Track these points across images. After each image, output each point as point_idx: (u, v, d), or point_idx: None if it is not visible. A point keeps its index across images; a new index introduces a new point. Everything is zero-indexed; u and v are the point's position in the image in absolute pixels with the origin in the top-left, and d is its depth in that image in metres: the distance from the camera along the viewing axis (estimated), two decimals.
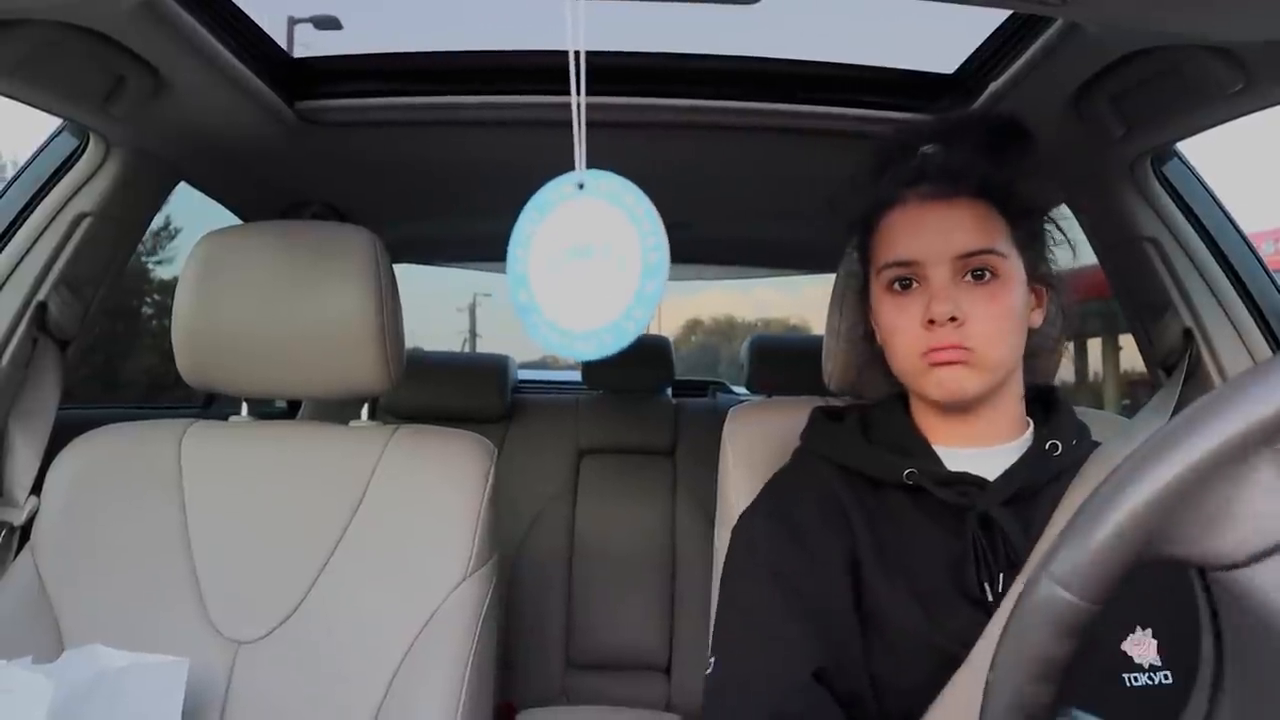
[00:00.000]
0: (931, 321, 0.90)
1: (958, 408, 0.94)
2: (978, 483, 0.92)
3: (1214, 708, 0.47)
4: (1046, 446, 0.94)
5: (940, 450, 0.96)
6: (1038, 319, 0.98)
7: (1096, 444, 0.98)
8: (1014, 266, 0.93)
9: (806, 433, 1.06)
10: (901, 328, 0.93)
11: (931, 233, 0.92)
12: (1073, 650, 0.47)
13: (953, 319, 0.89)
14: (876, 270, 0.97)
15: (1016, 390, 0.97)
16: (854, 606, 0.90)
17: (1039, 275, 0.97)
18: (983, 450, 0.95)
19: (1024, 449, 0.95)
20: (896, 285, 0.94)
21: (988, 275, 0.91)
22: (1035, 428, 0.99)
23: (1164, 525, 0.44)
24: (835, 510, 0.96)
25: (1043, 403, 1.02)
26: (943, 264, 0.91)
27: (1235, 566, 0.44)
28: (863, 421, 1.03)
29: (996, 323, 0.90)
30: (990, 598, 0.87)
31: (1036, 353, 1.02)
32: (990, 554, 0.88)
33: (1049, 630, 0.47)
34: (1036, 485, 0.92)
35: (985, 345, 0.90)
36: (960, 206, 0.93)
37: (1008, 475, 0.92)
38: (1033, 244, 0.96)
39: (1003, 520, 0.89)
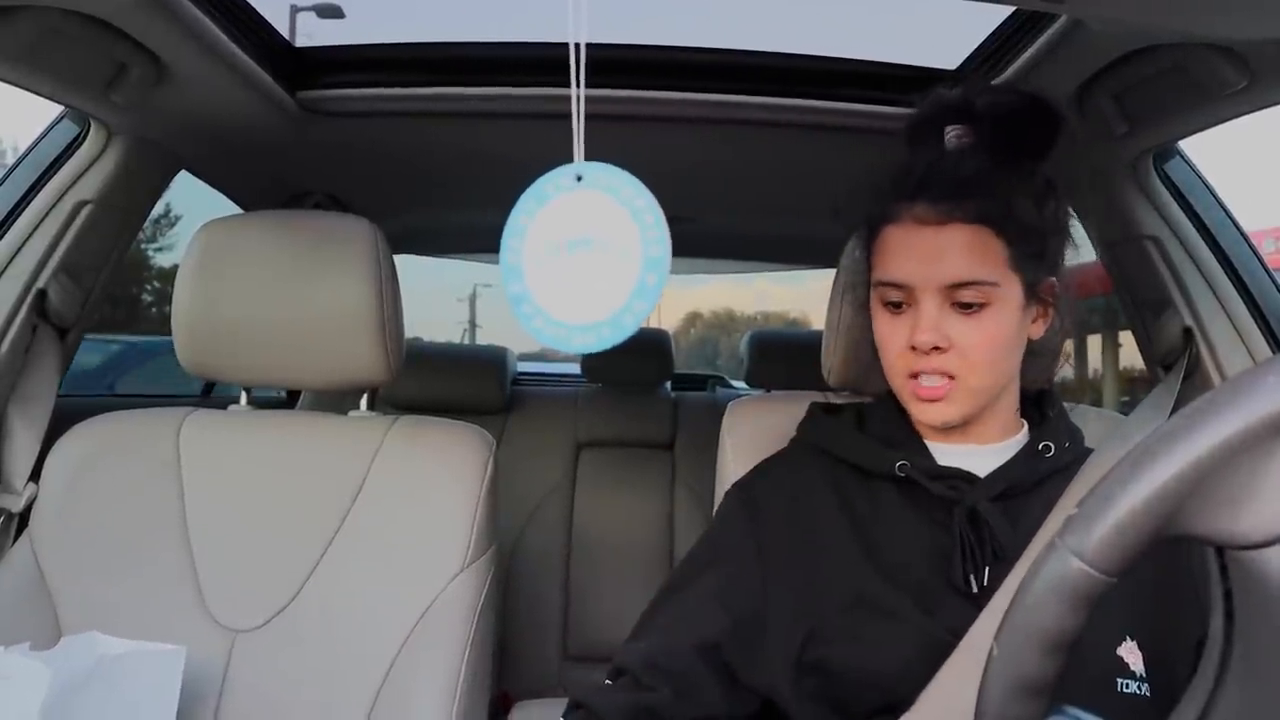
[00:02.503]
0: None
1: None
2: (968, 478, 0.93)
3: (1219, 688, 0.47)
4: (1040, 448, 0.95)
5: (933, 446, 0.97)
6: (1039, 330, 0.97)
7: (1089, 450, 0.99)
8: (1008, 292, 0.91)
9: (803, 424, 1.08)
10: (890, 345, 0.95)
11: (923, 259, 0.91)
12: (1081, 626, 0.47)
13: (937, 348, 0.90)
14: (873, 284, 0.98)
15: (1011, 396, 0.98)
16: (802, 599, 0.92)
17: (1041, 290, 0.95)
18: (975, 448, 0.96)
19: (1017, 449, 0.96)
20: (888, 304, 0.95)
21: (977, 306, 0.90)
22: (1030, 428, 1.00)
23: (1188, 501, 0.45)
24: (805, 502, 0.98)
25: (1037, 404, 1.03)
26: (932, 291, 0.91)
27: (1253, 547, 0.44)
28: (858, 415, 1.04)
29: (983, 352, 0.91)
30: (976, 589, 0.88)
31: (1037, 353, 1.01)
32: (977, 547, 0.89)
33: (1062, 600, 0.47)
34: (1026, 485, 0.93)
35: (969, 372, 0.91)
36: (954, 232, 0.90)
37: (998, 472, 0.93)
38: (1035, 261, 0.93)
39: (990, 515, 0.90)
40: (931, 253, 0.91)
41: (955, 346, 0.90)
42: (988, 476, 0.93)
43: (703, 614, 0.93)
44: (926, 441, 0.98)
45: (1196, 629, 0.85)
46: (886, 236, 0.95)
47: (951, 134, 0.96)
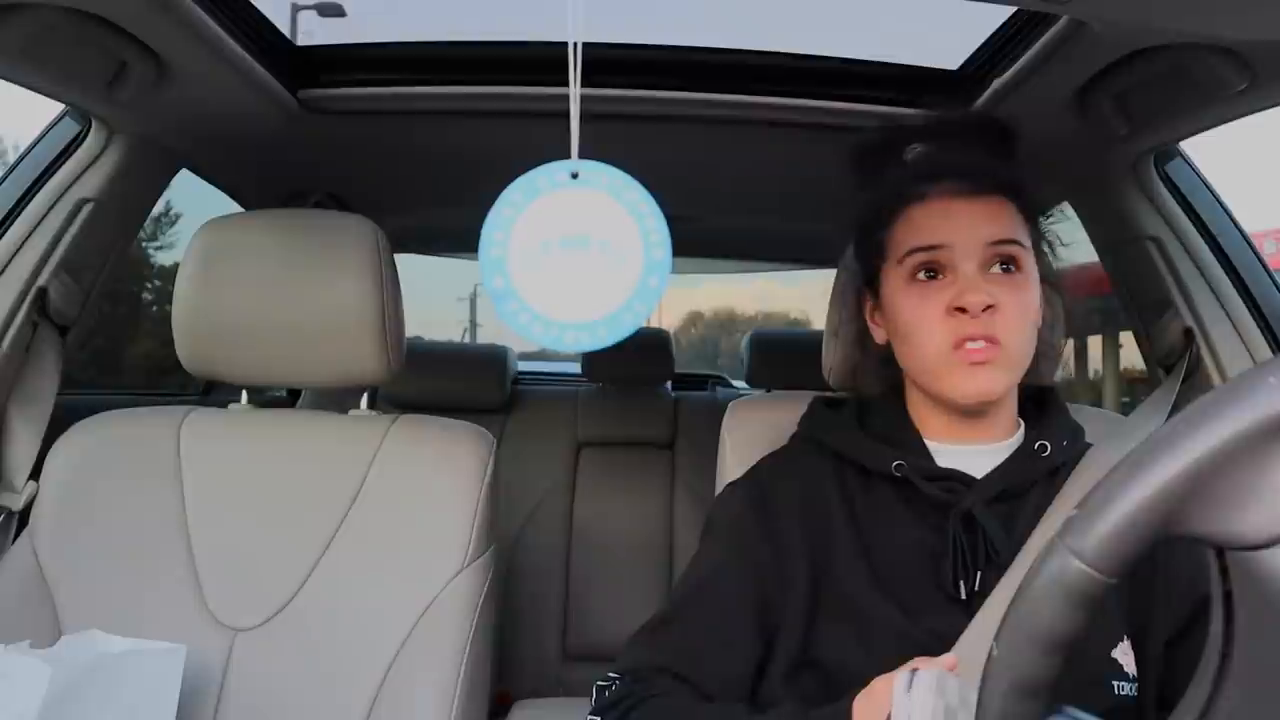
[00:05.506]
0: (961, 310, 0.88)
1: (973, 410, 0.93)
2: (964, 480, 0.92)
3: (1218, 690, 0.47)
4: (1035, 447, 0.94)
5: (931, 445, 0.96)
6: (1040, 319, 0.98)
7: (1089, 445, 0.98)
8: (1033, 262, 0.94)
9: (804, 419, 1.06)
10: (926, 319, 0.91)
11: (962, 221, 0.91)
12: (1081, 626, 0.47)
13: (988, 308, 0.88)
14: (898, 259, 0.94)
15: (1015, 391, 0.98)
16: (809, 596, 0.91)
17: (1045, 276, 0.97)
18: (974, 447, 0.95)
19: (1014, 448, 0.95)
20: (921, 274, 0.92)
21: (1014, 268, 0.91)
22: (1026, 428, 0.99)
23: (1189, 502, 0.44)
24: (815, 498, 0.96)
25: (1038, 403, 1.02)
26: (973, 253, 0.90)
27: (1254, 548, 0.44)
28: (860, 411, 1.03)
29: (1024, 315, 0.91)
30: (965, 595, 0.87)
31: (1039, 355, 1.01)
32: (969, 552, 0.88)
33: (1062, 601, 0.47)
34: (1023, 486, 0.93)
35: (1012, 337, 0.89)
36: (986, 201, 0.92)
37: (993, 474, 0.92)
38: (1040, 244, 0.97)
39: (984, 519, 0.89)
40: (969, 218, 0.92)
41: (1000, 309, 0.88)
42: (983, 479, 0.92)
43: (733, 612, 0.92)
44: (927, 441, 0.96)
45: (1168, 626, 0.86)
46: (916, 211, 0.94)
47: (912, 152, 0.97)
